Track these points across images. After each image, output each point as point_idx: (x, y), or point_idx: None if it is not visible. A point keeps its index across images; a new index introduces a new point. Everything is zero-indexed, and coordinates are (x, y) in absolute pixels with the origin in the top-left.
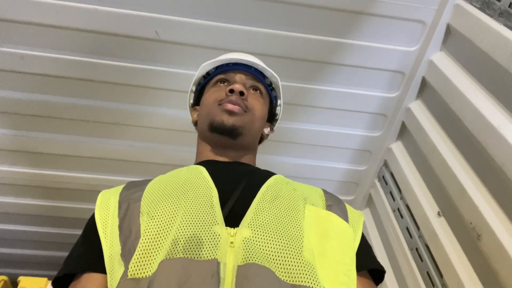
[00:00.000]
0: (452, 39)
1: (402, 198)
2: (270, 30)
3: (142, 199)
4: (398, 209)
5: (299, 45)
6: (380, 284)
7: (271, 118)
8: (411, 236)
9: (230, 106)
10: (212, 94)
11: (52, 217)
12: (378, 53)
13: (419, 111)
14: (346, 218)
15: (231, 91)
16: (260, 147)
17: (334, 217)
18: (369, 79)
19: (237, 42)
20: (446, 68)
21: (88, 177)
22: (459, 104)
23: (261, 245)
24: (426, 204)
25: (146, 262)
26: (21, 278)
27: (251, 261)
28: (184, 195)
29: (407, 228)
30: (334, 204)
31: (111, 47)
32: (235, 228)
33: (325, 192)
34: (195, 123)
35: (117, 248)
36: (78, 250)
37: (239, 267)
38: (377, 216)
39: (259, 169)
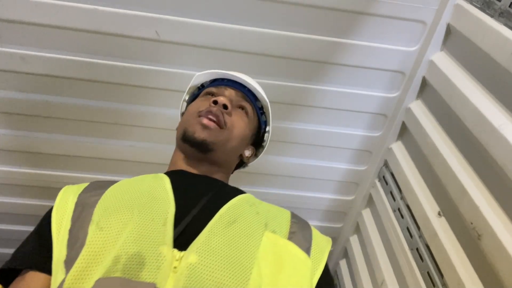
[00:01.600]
0: (452, 39)
1: (402, 198)
2: (270, 30)
3: (96, 205)
4: (399, 209)
5: (299, 45)
6: (381, 284)
7: (258, 143)
8: (411, 236)
9: (205, 121)
10: (196, 104)
11: None
12: (378, 53)
13: (419, 111)
14: (308, 248)
15: (215, 102)
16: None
17: (292, 247)
18: (369, 79)
19: (237, 42)
20: (446, 68)
21: (88, 177)
22: (459, 104)
23: (204, 274)
24: (427, 204)
25: (83, 277)
26: None
27: None
28: (139, 207)
29: (408, 228)
30: (299, 231)
31: (111, 47)
32: (183, 251)
33: (292, 216)
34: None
35: (63, 253)
36: (29, 246)
37: None
38: (377, 216)
39: (228, 186)
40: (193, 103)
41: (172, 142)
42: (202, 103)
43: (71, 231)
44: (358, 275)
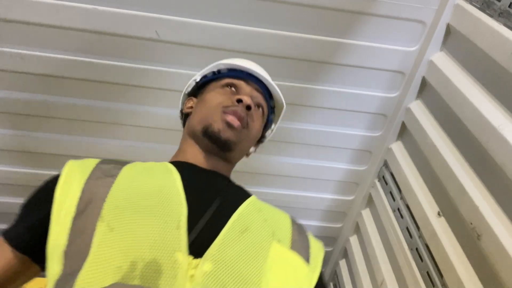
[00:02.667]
0: (452, 39)
1: (402, 198)
2: (270, 30)
3: (106, 199)
4: (398, 209)
5: (299, 45)
6: (381, 284)
7: (260, 138)
8: (411, 236)
9: (231, 118)
10: (218, 97)
11: None
12: (378, 53)
13: (419, 111)
14: (307, 256)
15: (239, 101)
16: (261, 147)
17: (295, 258)
18: (369, 79)
19: (237, 42)
20: (446, 68)
21: None
22: (459, 104)
23: (219, 283)
24: (426, 204)
25: (95, 278)
26: None
27: None
28: (151, 208)
29: (407, 228)
30: (299, 239)
31: (111, 47)
32: (198, 258)
33: (292, 221)
34: (186, 114)
35: (63, 241)
36: (22, 224)
37: None
38: (377, 216)
39: (234, 185)
40: (212, 93)
41: (172, 142)
42: (223, 97)
43: (75, 220)
44: (358, 275)
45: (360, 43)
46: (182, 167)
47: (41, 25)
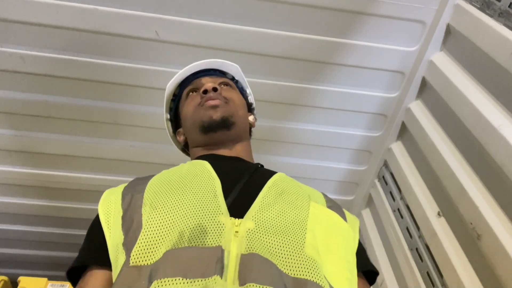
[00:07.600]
0: (452, 39)
1: (402, 198)
2: (270, 30)
3: (145, 190)
4: (398, 209)
5: (299, 45)
6: (381, 284)
7: (249, 108)
8: (411, 236)
9: (211, 102)
10: (190, 104)
11: (52, 217)
12: (378, 53)
13: (419, 111)
14: (344, 217)
15: (205, 91)
16: (261, 147)
17: (336, 216)
18: (369, 79)
19: (237, 42)
20: (446, 68)
21: (88, 177)
22: (459, 104)
23: (263, 239)
24: (426, 204)
25: (148, 251)
26: (21, 278)
27: (254, 251)
28: (187, 186)
29: (407, 228)
30: (333, 205)
31: (111, 47)
32: (239, 219)
33: (324, 195)
34: (184, 145)
35: (120, 237)
36: (82, 246)
37: (242, 255)
38: (377, 216)
39: (262, 167)
40: (184, 107)
41: (171, 141)
42: (193, 100)
43: (124, 217)
44: None
45: (360, 43)
46: (207, 157)
47: (41, 25)
